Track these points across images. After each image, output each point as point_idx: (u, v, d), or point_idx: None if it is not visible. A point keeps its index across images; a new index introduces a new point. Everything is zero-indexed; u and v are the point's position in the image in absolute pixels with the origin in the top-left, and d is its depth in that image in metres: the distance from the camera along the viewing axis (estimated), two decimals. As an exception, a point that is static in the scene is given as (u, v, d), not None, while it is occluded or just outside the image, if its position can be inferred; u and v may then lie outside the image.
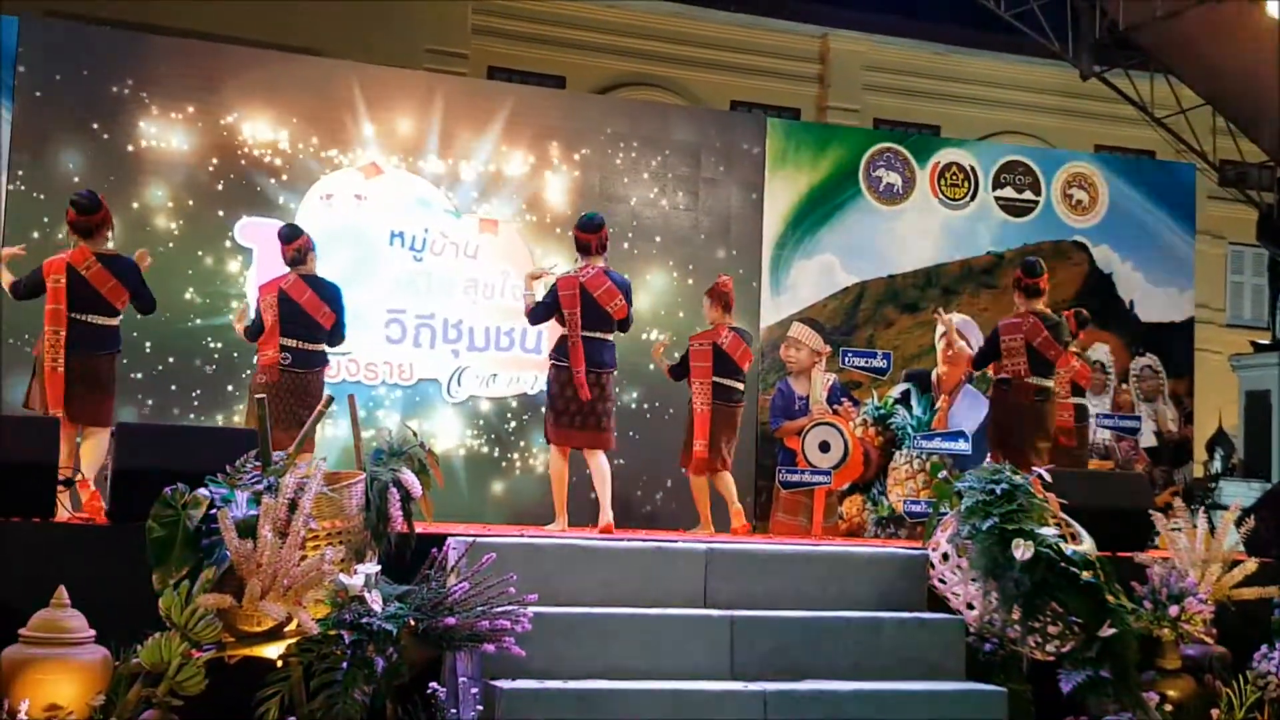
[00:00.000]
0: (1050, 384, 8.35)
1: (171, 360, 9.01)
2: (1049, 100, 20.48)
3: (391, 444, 5.73)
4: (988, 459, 7.93)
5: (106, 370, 7.23)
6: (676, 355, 8.75)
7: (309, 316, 7.80)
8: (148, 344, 8.83)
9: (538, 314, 8.01)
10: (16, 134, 8.76)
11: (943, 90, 20.56)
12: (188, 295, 9.11)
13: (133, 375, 8.70)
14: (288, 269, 7.92)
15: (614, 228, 9.93)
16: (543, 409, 8.14)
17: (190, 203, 9.18)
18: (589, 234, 7.86)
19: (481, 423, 9.70)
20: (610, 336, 7.90)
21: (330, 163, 9.52)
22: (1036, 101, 20.66)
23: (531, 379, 9.71)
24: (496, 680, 5.32)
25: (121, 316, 7.34)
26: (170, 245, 9.02)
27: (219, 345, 9.16)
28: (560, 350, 7.81)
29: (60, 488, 6.07)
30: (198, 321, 9.13)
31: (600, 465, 7.77)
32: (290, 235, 7.99)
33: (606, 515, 7.58)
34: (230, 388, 9.12)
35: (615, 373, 7.95)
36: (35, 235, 8.66)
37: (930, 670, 6.01)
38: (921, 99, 20.50)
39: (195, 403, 9.05)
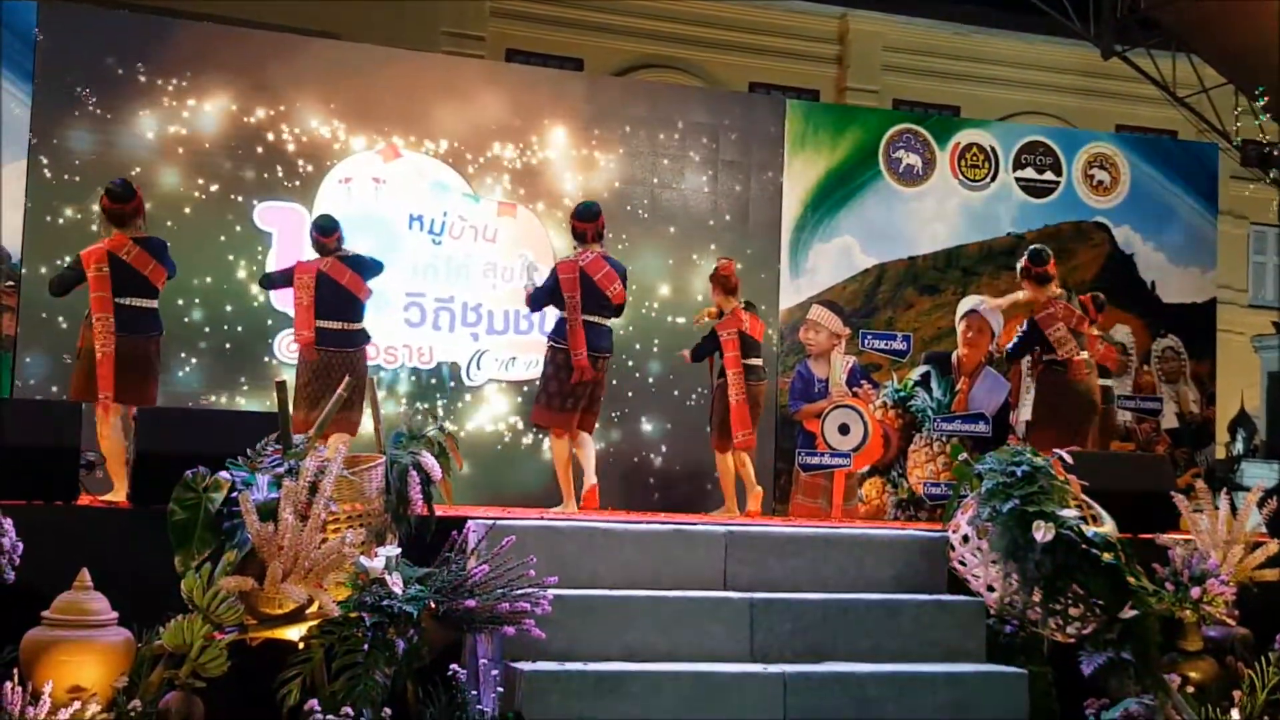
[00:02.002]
0: (1091, 357, 8.38)
1: (189, 344, 9.04)
2: (1070, 80, 20.36)
3: (411, 427, 5.74)
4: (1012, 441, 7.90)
5: (154, 352, 7.29)
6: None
7: (352, 296, 7.84)
8: (165, 329, 8.86)
9: (538, 299, 8.08)
10: (36, 118, 8.80)
11: (963, 71, 20.47)
12: (208, 279, 9.14)
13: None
14: (321, 256, 7.94)
15: (632, 211, 10.00)
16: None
17: (212, 188, 9.21)
18: (585, 223, 7.95)
19: (501, 405, 9.72)
20: (609, 322, 7.97)
21: (348, 146, 9.53)
22: (1057, 81, 20.54)
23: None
24: (517, 662, 5.33)
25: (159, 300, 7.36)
26: (189, 229, 9.05)
27: (238, 329, 9.20)
28: (559, 332, 7.87)
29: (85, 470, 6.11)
30: (219, 306, 9.17)
31: (585, 440, 7.98)
32: (331, 227, 7.96)
33: (591, 478, 7.84)
34: (247, 371, 9.17)
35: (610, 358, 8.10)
36: (60, 222, 8.75)
37: (950, 652, 6.00)
38: (941, 79, 20.41)
39: (213, 386, 9.09)
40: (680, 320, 9.85)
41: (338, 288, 7.81)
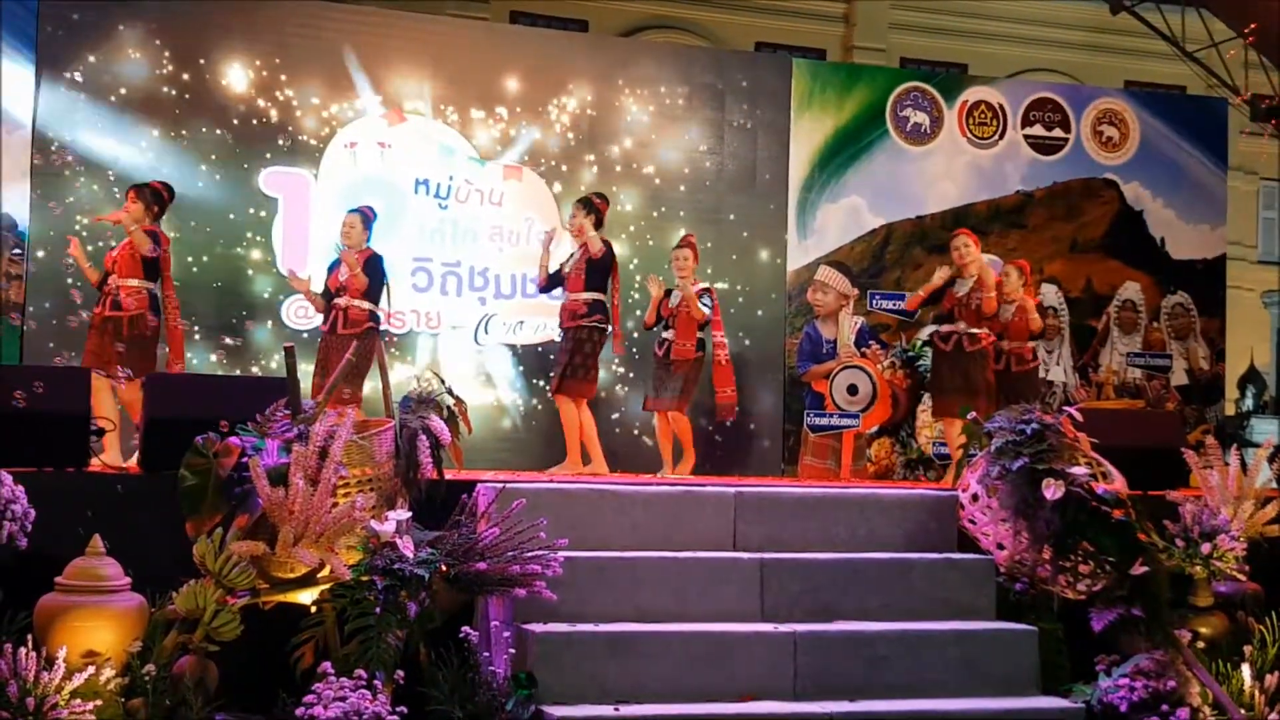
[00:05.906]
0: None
1: (198, 311, 9.03)
2: (1078, 36, 20.19)
3: (420, 391, 5.74)
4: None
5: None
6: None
7: None
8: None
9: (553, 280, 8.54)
10: (40, 85, 8.77)
11: (970, 28, 20.32)
12: (217, 247, 9.13)
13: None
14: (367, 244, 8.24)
15: (637, 171, 9.97)
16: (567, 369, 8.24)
17: (215, 154, 9.18)
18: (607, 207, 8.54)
19: (512, 369, 9.72)
20: None
21: (353, 110, 9.49)
22: (1066, 38, 20.37)
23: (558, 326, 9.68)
24: (528, 624, 5.36)
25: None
26: (194, 194, 9.03)
27: (247, 294, 9.19)
28: (604, 312, 8.23)
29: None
30: (226, 272, 9.16)
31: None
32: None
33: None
34: (258, 337, 9.17)
35: None
36: (65, 190, 8.73)
37: (960, 610, 6.01)
38: (949, 37, 20.26)
39: (225, 352, 9.10)
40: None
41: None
